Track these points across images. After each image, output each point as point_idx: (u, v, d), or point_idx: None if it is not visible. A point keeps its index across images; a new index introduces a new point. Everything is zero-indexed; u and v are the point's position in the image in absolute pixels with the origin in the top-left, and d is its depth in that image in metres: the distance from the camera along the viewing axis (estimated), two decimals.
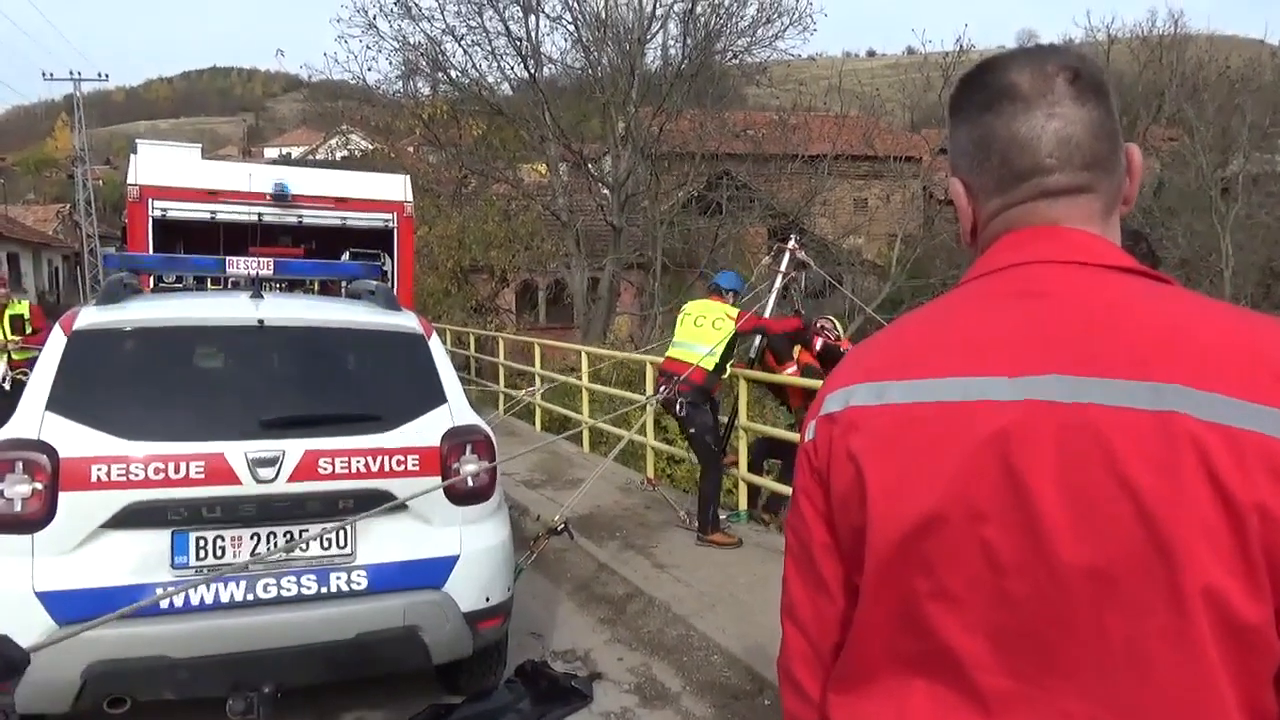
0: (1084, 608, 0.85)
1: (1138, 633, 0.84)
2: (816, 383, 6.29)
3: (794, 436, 6.69)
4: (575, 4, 19.50)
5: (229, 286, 5.99)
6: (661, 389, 6.40)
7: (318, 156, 29.38)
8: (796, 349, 6.90)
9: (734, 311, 6.43)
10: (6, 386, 8.38)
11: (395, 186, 7.81)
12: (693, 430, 6.37)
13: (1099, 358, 0.88)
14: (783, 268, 7.07)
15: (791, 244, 7.16)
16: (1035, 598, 0.87)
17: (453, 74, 20.19)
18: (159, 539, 3.13)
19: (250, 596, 3.18)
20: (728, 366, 6.36)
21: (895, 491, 0.95)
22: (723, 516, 6.89)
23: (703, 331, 6.34)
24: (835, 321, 7.40)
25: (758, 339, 6.74)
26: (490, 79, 20.34)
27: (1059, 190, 1.00)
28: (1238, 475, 0.80)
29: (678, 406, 6.28)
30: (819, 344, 6.86)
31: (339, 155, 26.45)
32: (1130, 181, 1.04)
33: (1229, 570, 0.80)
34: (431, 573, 3.46)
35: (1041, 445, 0.88)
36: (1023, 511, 0.88)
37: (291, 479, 3.25)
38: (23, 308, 8.93)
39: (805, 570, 1.08)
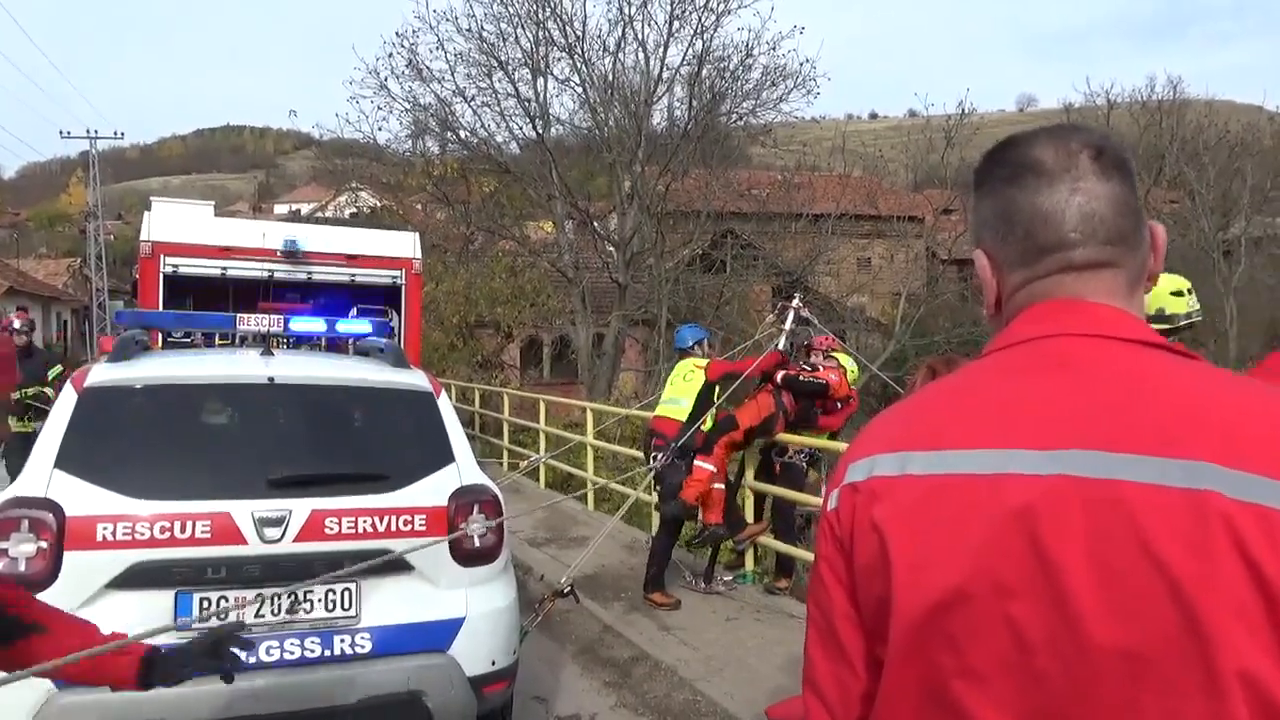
0: (1116, 689, 0.84)
1: (1172, 716, 0.82)
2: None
3: (786, 493, 6.64)
4: (583, 67, 19.94)
5: (236, 343, 6.01)
6: (655, 455, 6.36)
7: (327, 213, 29.73)
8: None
9: (703, 361, 6.51)
10: None
11: (404, 244, 7.89)
12: (659, 488, 6.47)
13: (1129, 434, 0.87)
14: (786, 325, 7.09)
15: (795, 302, 7.19)
16: (1065, 677, 0.86)
17: (462, 134, 20.59)
18: (162, 599, 3.09)
19: (253, 659, 3.13)
20: (707, 417, 6.28)
21: (920, 564, 0.94)
22: (729, 578, 6.82)
23: (675, 387, 6.55)
24: (841, 347, 7.00)
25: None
26: (499, 139, 20.75)
27: (1083, 265, 1.00)
28: (1271, 556, 0.79)
29: (652, 458, 6.36)
30: (780, 376, 6.44)
31: (348, 212, 26.77)
32: (1154, 258, 1.04)
33: (1266, 652, 0.79)
34: (436, 636, 3.40)
35: (1070, 521, 0.87)
36: (1051, 588, 0.86)
37: (298, 539, 3.22)
38: (56, 371, 8.60)
39: (827, 641, 1.06)
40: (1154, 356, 0.95)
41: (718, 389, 6.41)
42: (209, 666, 2.04)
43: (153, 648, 1.99)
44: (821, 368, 6.70)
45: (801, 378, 6.51)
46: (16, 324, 8.53)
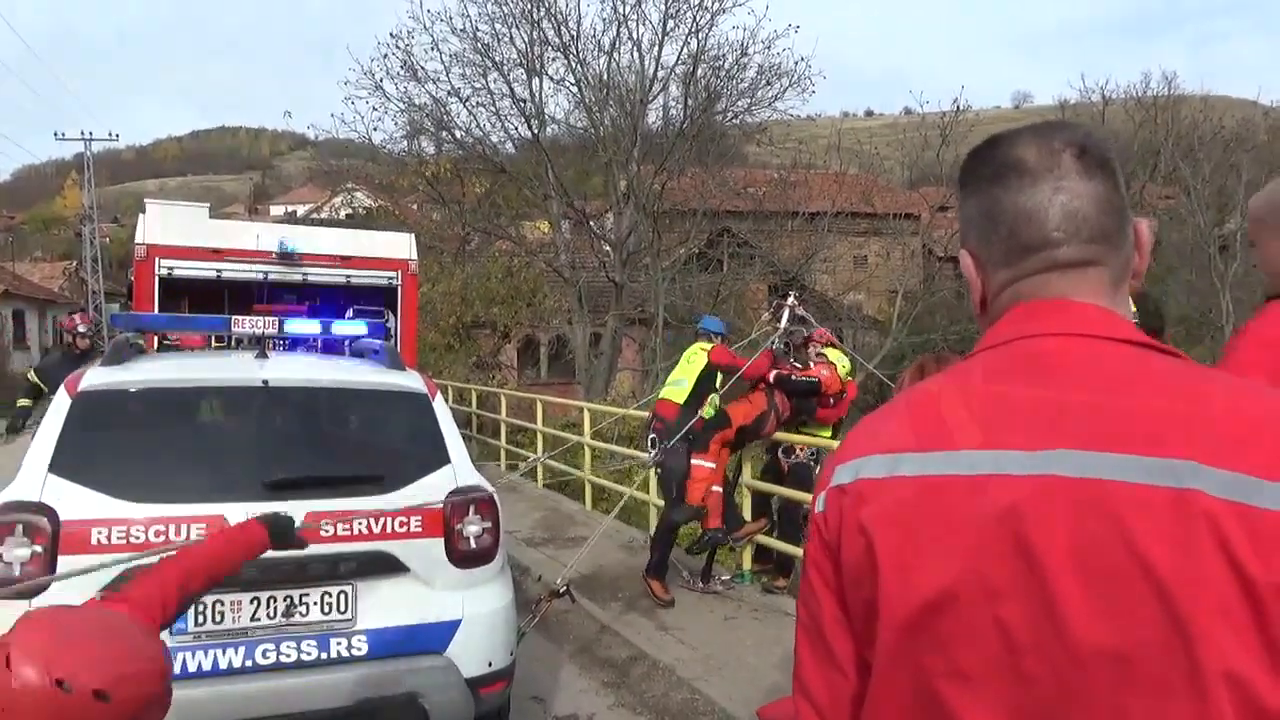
0: (1103, 689, 0.84)
1: (1158, 716, 0.82)
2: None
3: (793, 494, 6.63)
4: (579, 67, 19.91)
5: (232, 344, 6.00)
6: (654, 440, 6.33)
7: (322, 214, 29.69)
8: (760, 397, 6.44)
9: (708, 345, 6.48)
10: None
11: (400, 244, 7.88)
12: (660, 472, 6.45)
13: (1114, 433, 0.87)
14: (782, 323, 7.08)
15: (791, 300, 7.18)
16: (1053, 678, 0.86)
17: (457, 134, 20.55)
18: None
19: (249, 662, 3.13)
20: (708, 403, 6.21)
21: (907, 567, 0.94)
22: (726, 577, 6.81)
23: (680, 370, 6.50)
24: (835, 343, 7.12)
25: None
26: (494, 139, 20.71)
27: (1067, 263, 1.00)
28: (1254, 555, 0.79)
29: (653, 448, 6.31)
30: (773, 375, 6.42)
31: (343, 213, 26.73)
32: (1139, 256, 1.04)
33: (1250, 653, 0.79)
34: (433, 637, 3.40)
35: (1056, 521, 0.87)
36: (1038, 589, 0.86)
37: None
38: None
39: (816, 644, 1.05)
40: (1140, 355, 0.95)
41: (719, 378, 6.39)
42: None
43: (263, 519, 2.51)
44: (813, 364, 6.70)
45: (794, 377, 6.51)
46: (81, 328, 8.45)
